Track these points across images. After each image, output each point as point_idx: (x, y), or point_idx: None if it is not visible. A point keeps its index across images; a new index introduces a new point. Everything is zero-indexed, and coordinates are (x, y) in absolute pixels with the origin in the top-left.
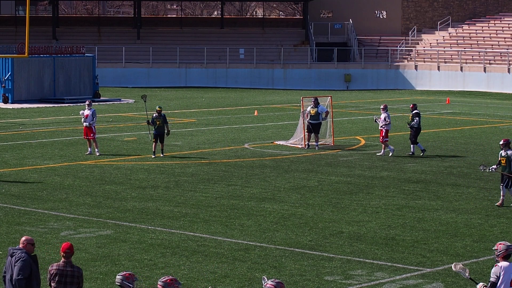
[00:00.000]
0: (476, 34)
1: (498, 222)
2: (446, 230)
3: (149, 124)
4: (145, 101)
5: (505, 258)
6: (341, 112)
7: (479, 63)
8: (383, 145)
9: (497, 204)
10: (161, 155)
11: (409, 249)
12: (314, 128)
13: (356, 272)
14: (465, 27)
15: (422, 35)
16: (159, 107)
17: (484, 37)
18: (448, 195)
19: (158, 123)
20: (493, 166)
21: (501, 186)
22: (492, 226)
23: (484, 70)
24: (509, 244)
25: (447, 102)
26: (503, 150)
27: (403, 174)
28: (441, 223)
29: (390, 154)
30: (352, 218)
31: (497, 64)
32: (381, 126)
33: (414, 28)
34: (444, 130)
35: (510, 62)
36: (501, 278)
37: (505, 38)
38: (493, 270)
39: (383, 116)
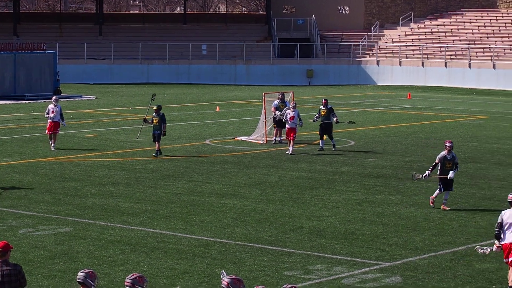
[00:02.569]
0: (438, 29)
1: (457, 216)
2: (406, 224)
3: (145, 122)
4: (152, 99)
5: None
6: (303, 108)
7: (440, 58)
8: (291, 143)
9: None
10: (154, 155)
11: (368, 243)
12: (279, 123)
13: (316, 267)
14: (427, 22)
15: (384, 30)
16: (157, 106)
17: (445, 33)
18: (408, 190)
19: (155, 122)
20: (427, 172)
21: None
22: (451, 220)
23: (445, 65)
24: None
25: (408, 97)
26: (447, 153)
27: (363, 169)
28: (400, 217)
29: (288, 152)
30: (312, 213)
31: (458, 59)
32: (290, 124)
33: (377, 24)
34: (405, 125)
35: (471, 57)
36: (507, 221)
37: (466, 33)
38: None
39: (293, 114)
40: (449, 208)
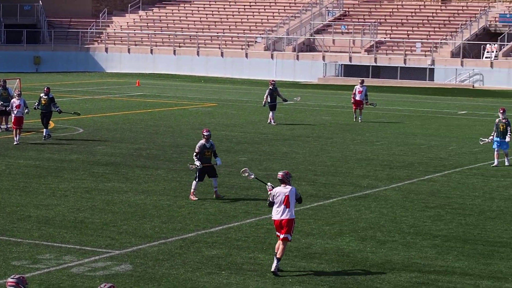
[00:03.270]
0: (166, 17)
1: (186, 203)
2: (135, 212)
3: None
4: None
5: (281, 182)
6: (30, 95)
7: (169, 46)
8: (18, 131)
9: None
10: None
11: (98, 231)
12: (2, 112)
13: (44, 256)
14: (156, 10)
15: (113, 17)
16: None
17: (174, 20)
18: (137, 177)
19: None
20: (197, 162)
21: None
22: (181, 207)
23: (174, 53)
24: (284, 172)
25: (137, 84)
26: (205, 141)
27: (92, 156)
28: (130, 205)
29: (15, 142)
30: (41, 202)
31: (187, 47)
32: (17, 112)
33: (105, 11)
34: (134, 112)
35: (199, 45)
36: (275, 198)
37: (194, 21)
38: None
39: (19, 102)
40: (223, 196)
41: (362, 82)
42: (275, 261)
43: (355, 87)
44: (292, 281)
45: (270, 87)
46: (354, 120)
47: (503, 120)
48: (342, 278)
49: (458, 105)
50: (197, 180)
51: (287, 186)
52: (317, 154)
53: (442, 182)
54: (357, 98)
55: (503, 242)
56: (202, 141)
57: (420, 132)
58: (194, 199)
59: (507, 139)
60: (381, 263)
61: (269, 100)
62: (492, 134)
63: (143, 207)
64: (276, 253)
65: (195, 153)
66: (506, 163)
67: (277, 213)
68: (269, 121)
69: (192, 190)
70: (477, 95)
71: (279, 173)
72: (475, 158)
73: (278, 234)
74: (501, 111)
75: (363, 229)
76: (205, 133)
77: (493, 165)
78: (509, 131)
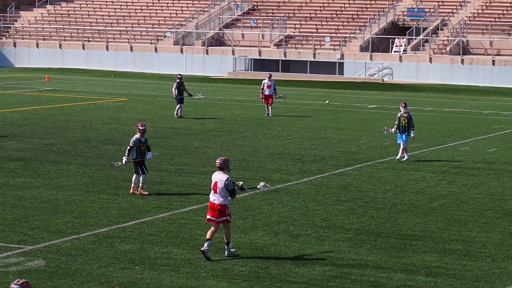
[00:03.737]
0: (75, 11)
1: (98, 198)
2: (47, 207)
3: None
4: None
5: (219, 169)
6: None
7: (77, 40)
8: None
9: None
10: None
11: (10, 227)
12: None
13: None
14: (64, 4)
15: (21, 12)
16: None
17: (82, 15)
18: (48, 172)
19: None
20: (124, 159)
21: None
22: (93, 202)
23: (83, 48)
24: (221, 159)
25: (46, 79)
26: (140, 136)
27: (3, 152)
28: (42, 200)
29: None
30: None
31: (96, 41)
32: None
33: (12, 5)
34: (44, 107)
35: (108, 40)
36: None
37: (103, 15)
38: None
39: None
40: (147, 193)
41: (270, 76)
42: (206, 243)
43: (263, 81)
44: (206, 275)
45: (178, 80)
46: (266, 114)
47: (405, 115)
48: (256, 272)
49: (368, 99)
50: (146, 173)
51: (221, 173)
52: (228, 148)
53: (354, 176)
54: (266, 92)
55: (415, 235)
56: (137, 135)
57: (331, 126)
58: (145, 193)
59: (412, 134)
60: (295, 257)
61: (176, 93)
62: (394, 127)
63: (55, 202)
64: (207, 237)
65: (128, 147)
66: (398, 157)
67: (211, 195)
68: (180, 114)
69: (140, 185)
70: (386, 89)
71: (216, 160)
72: (385, 152)
73: (208, 217)
74: (403, 105)
75: (276, 223)
76: (140, 127)
77: (403, 159)
78: (412, 125)
